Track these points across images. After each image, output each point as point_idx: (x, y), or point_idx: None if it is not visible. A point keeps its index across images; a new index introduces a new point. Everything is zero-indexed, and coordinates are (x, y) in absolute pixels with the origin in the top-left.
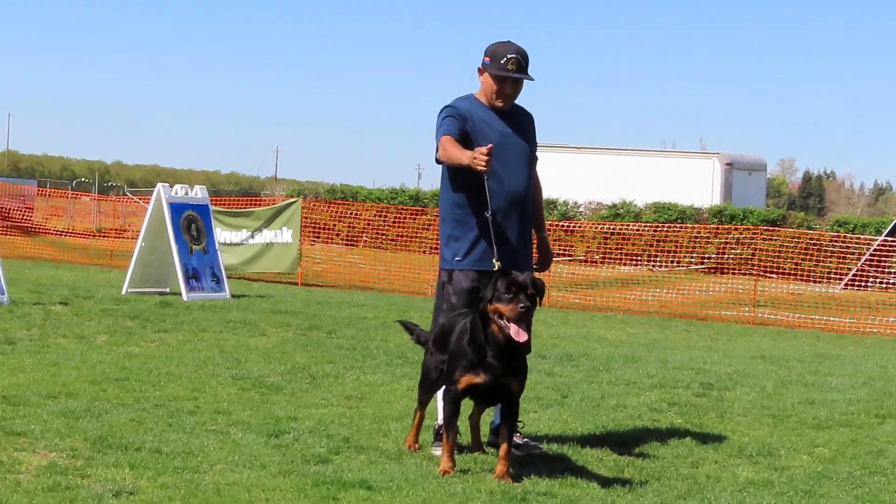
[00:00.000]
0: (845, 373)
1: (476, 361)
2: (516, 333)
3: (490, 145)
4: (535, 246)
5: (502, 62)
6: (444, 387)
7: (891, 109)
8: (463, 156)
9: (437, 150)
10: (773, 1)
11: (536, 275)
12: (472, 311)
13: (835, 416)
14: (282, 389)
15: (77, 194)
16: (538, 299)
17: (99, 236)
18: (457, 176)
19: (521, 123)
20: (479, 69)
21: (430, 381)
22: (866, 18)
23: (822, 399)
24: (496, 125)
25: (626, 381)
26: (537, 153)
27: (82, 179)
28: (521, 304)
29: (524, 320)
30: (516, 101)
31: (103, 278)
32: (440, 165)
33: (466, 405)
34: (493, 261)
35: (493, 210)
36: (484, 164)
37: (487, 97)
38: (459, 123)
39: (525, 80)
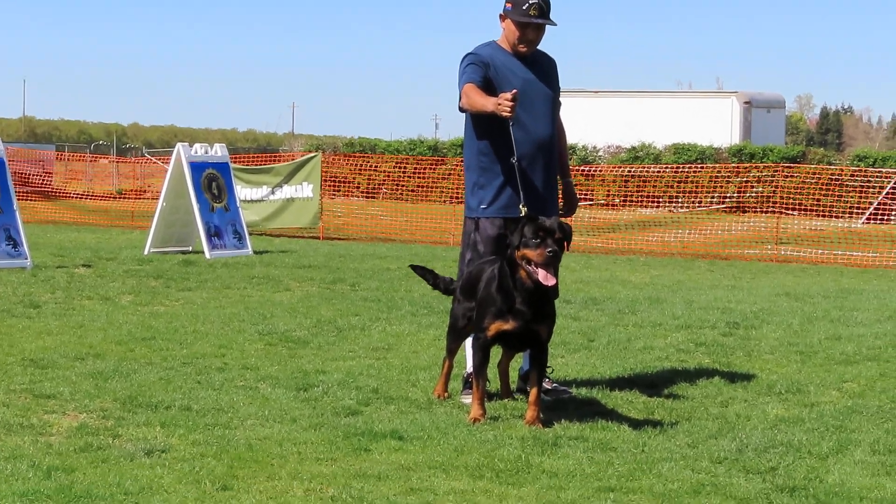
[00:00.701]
0: (870, 307)
1: (505, 308)
2: (545, 278)
3: (514, 91)
4: (560, 191)
5: (524, 8)
6: (472, 334)
7: None
8: (487, 102)
9: (460, 99)
10: None
11: (563, 220)
12: (500, 258)
13: (862, 351)
14: (308, 343)
15: (95, 157)
16: (566, 244)
17: (119, 198)
18: (481, 123)
19: (545, 69)
20: (500, 15)
21: (458, 329)
22: None
23: (848, 334)
24: (519, 71)
25: (652, 322)
26: (560, 98)
27: (100, 142)
28: (549, 249)
29: (552, 265)
30: (538, 47)
31: (125, 240)
32: (464, 114)
33: (495, 352)
34: (520, 207)
35: (519, 156)
36: (509, 109)
37: (510, 43)
38: (482, 70)
39: (548, 25)
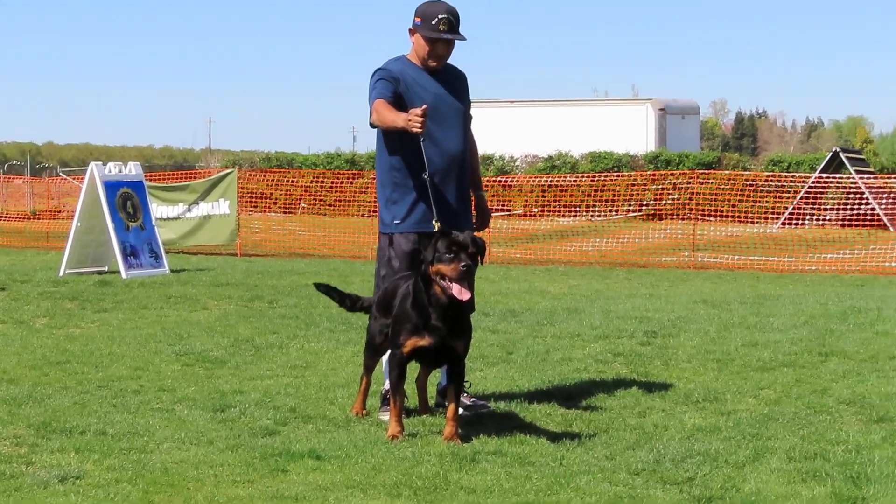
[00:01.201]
0: (786, 312)
1: (420, 324)
2: (459, 293)
3: (425, 107)
4: (473, 205)
5: (433, 23)
6: (389, 351)
7: (818, 45)
8: (398, 118)
9: (370, 115)
10: None
11: (476, 233)
12: (415, 274)
13: (778, 357)
14: (226, 363)
15: (9, 178)
16: (479, 258)
17: (34, 218)
18: (392, 139)
19: (455, 83)
20: (409, 30)
21: (375, 346)
22: None
23: (764, 340)
24: (430, 86)
25: (571, 333)
26: (471, 111)
27: (14, 162)
28: (463, 264)
29: (466, 279)
30: (448, 61)
31: (40, 261)
32: (375, 129)
33: (412, 368)
34: (433, 222)
35: (431, 171)
36: (419, 125)
37: (420, 58)
38: (392, 86)
39: (458, 40)
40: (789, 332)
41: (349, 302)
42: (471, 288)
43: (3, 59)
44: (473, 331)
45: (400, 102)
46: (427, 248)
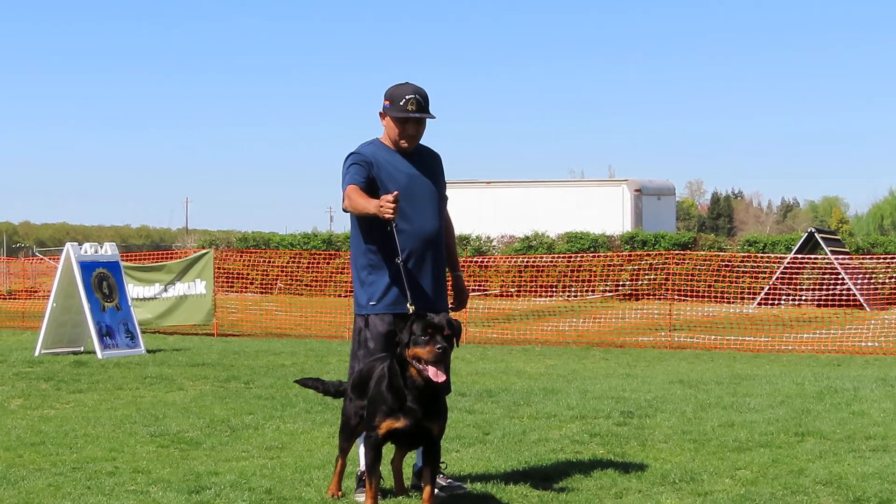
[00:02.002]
0: (763, 392)
1: (396, 406)
2: (435, 375)
3: (396, 192)
4: (449, 285)
5: (401, 104)
6: (364, 433)
7: (793, 126)
8: (369, 205)
9: (343, 200)
10: (667, 27)
11: (453, 315)
12: (390, 356)
13: (755, 437)
14: (201, 444)
15: None
16: (455, 340)
17: (9, 298)
18: (366, 222)
19: (429, 164)
20: (380, 113)
21: (350, 428)
22: (761, 41)
23: (741, 420)
24: (403, 167)
25: (547, 414)
26: (447, 192)
27: None
28: (438, 346)
29: (442, 361)
30: (422, 142)
31: (16, 341)
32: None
33: (388, 449)
34: (408, 305)
35: (406, 253)
36: (391, 212)
37: (392, 140)
38: (365, 170)
39: (427, 119)
40: (766, 413)
41: (332, 389)
42: (447, 370)
43: None
44: (449, 411)
45: (373, 186)
46: (402, 329)
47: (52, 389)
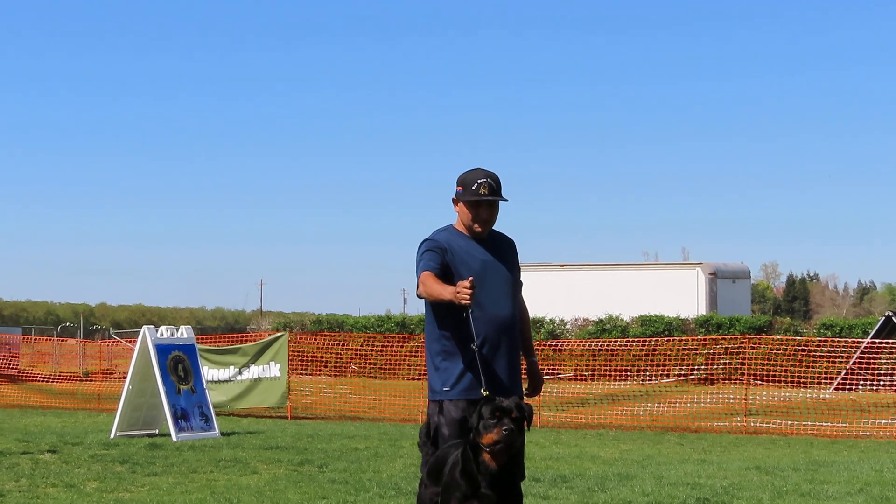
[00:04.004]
0: (841, 479)
1: (470, 492)
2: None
3: (471, 278)
4: (524, 371)
5: (474, 188)
6: None
7: (870, 208)
8: (444, 291)
9: (417, 287)
10: (742, 109)
11: (528, 399)
12: (464, 442)
13: None
14: None
15: (62, 339)
16: (526, 423)
17: (86, 380)
18: (440, 309)
19: (503, 250)
20: (453, 200)
21: None
22: (835, 122)
23: None
24: (477, 253)
25: (622, 500)
26: (522, 276)
27: (67, 324)
28: (505, 427)
29: (508, 444)
30: (497, 228)
31: (92, 423)
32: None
33: None
34: (482, 390)
35: (481, 339)
36: (467, 298)
37: (466, 225)
38: (439, 256)
39: (501, 203)
40: (844, 500)
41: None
42: (517, 454)
43: (59, 221)
44: (524, 497)
45: (447, 272)
46: (473, 414)
47: (128, 472)
